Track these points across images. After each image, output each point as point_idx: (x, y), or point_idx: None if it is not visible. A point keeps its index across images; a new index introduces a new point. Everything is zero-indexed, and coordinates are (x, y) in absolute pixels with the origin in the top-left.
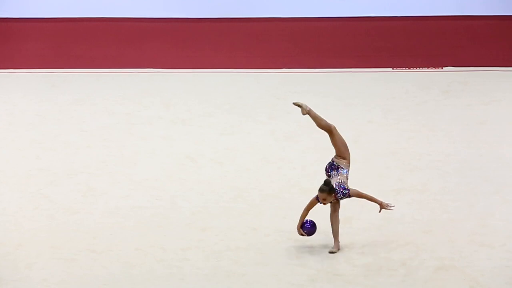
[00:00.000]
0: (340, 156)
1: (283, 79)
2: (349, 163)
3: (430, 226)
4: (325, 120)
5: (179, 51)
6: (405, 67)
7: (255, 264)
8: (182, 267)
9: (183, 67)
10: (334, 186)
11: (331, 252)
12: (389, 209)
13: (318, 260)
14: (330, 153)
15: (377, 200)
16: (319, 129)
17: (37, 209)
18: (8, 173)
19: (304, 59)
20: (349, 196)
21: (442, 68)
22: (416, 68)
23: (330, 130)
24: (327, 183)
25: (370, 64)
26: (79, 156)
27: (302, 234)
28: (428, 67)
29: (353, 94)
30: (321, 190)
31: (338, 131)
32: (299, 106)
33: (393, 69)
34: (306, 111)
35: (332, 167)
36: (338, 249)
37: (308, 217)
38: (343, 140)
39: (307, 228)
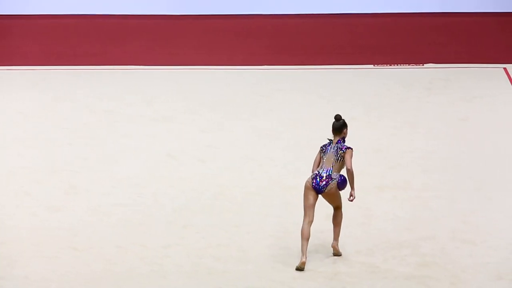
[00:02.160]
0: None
1: (265, 77)
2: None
3: (412, 223)
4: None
5: (161, 48)
6: (387, 64)
7: (237, 262)
8: (164, 265)
9: (165, 64)
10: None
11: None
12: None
13: (300, 257)
14: (311, 151)
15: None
16: (303, 127)
17: (19, 206)
18: None
19: (286, 56)
20: None
21: (423, 65)
22: (398, 65)
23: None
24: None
25: (352, 61)
26: (61, 153)
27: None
28: (409, 63)
29: (335, 91)
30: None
31: None
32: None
33: (374, 66)
34: None
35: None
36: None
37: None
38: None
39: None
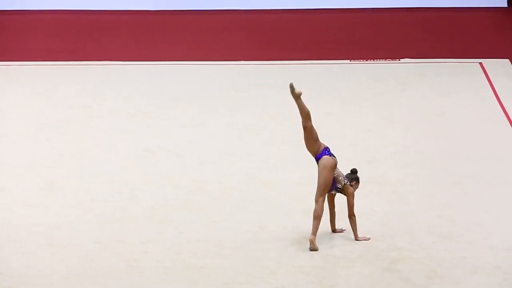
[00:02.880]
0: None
1: (242, 72)
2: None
3: (389, 217)
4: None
5: (138, 44)
6: (363, 59)
7: (215, 257)
8: (142, 260)
9: (142, 60)
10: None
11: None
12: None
13: (278, 252)
14: (289, 146)
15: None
16: (281, 123)
17: None
18: None
19: (262, 51)
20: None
21: (399, 60)
22: (374, 60)
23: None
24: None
25: (328, 56)
26: (38, 149)
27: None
28: (385, 59)
29: (311, 86)
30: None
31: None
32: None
33: (350, 61)
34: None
35: None
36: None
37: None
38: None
39: None
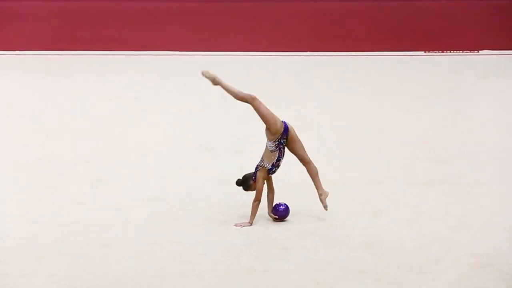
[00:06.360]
0: (267, 128)
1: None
2: (275, 133)
3: (464, 220)
4: (241, 92)
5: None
6: (438, 51)
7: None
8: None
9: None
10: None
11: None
12: None
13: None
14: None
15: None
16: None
17: None
18: None
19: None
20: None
21: (478, 52)
22: (451, 52)
23: (250, 100)
24: (237, 182)
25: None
26: None
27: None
28: (463, 50)
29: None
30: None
31: (259, 100)
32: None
33: (425, 52)
34: (214, 82)
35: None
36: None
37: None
38: (267, 109)
39: (280, 211)
